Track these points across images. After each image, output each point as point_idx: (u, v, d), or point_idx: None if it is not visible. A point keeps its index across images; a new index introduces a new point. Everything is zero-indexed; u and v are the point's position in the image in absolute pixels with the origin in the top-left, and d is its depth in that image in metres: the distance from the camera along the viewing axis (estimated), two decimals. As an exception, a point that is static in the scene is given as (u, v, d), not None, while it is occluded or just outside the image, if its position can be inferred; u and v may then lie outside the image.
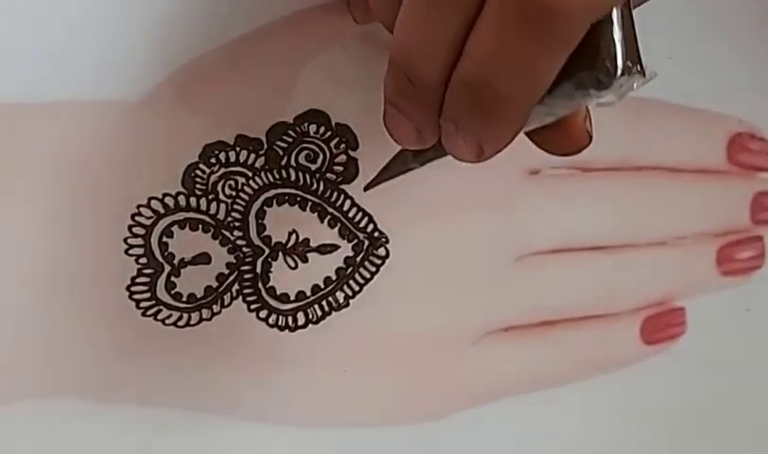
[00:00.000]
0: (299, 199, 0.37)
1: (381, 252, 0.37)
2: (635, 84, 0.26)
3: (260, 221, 0.36)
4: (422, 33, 0.26)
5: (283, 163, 0.36)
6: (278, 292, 0.37)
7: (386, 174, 0.34)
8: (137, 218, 0.35)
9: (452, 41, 0.26)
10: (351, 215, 0.37)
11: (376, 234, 0.37)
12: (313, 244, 0.37)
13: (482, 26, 0.25)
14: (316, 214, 0.37)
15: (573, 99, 0.26)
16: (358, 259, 0.37)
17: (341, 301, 0.37)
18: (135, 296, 0.36)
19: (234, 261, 0.36)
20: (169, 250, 0.36)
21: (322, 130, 0.37)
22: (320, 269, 0.37)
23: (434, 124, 0.28)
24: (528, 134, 0.29)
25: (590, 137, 0.29)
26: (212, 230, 0.36)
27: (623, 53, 0.25)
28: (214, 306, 0.36)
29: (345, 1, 0.36)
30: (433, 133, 0.28)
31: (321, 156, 0.37)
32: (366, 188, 0.36)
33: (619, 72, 0.25)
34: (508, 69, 0.25)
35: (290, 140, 0.36)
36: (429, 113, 0.27)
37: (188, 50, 0.36)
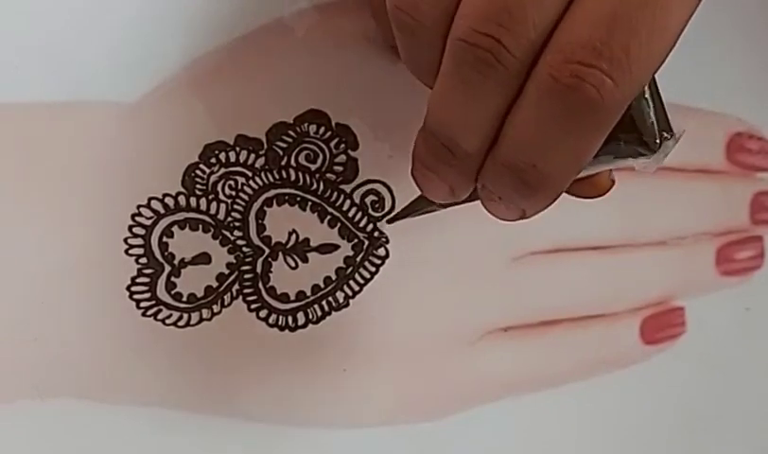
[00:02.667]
0: (299, 199, 0.37)
1: (381, 252, 0.37)
2: (668, 149, 0.27)
3: (260, 221, 0.36)
4: (460, 110, 0.26)
5: (283, 163, 0.36)
6: (278, 292, 0.37)
7: (410, 210, 0.35)
8: (137, 219, 0.35)
9: (492, 119, 0.26)
10: (351, 215, 0.37)
11: (376, 234, 0.37)
12: (313, 244, 0.37)
13: (523, 112, 0.25)
14: (316, 214, 0.37)
15: (610, 164, 0.28)
16: (358, 259, 0.37)
17: (341, 301, 0.37)
18: (135, 296, 0.36)
19: (234, 261, 0.36)
20: (169, 250, 0.36)
21: (321, 130, 0.37)
22: (320, 269, 0.37)
23: (470, 185, 0.28)
24: None
25: (613, 182, 0.30)
26: (212, 230, 0.36)
27: (657, 125, 0.27)
28: (214, 306, 0.36)
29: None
30: (467, 192, 0.29)
31: (321, 156, 0.37)
32: (389, 221, 0.37)
33: (657, 145, 0.27)
34: (552, 154, 0.26)
35: (290, 140, 0.36)
36: (467, 178, 0.28)
37: (188, 50, 0.36)
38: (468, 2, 0.25)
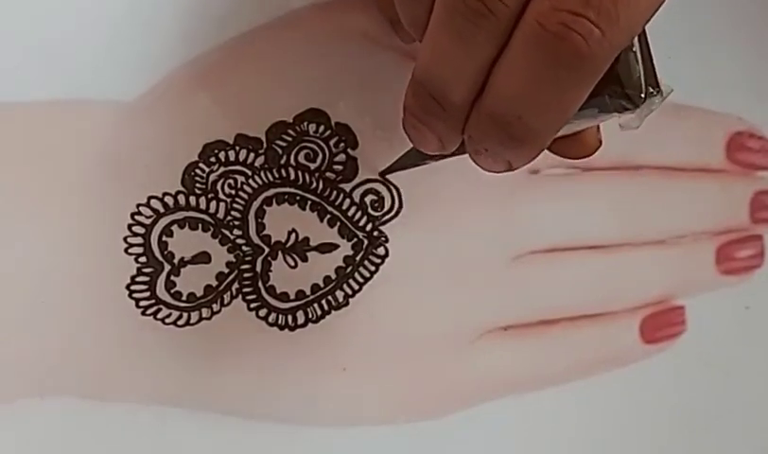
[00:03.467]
0: (298, 198, 0.37)
1: (381, 251, 0.37)
2: (654, 105, 0.27)
3: (260, 220, 0.36)
4: (449, 60, 0.26)
5: (282, 162, 0.36)
6: (278, 291, 0.37)
7: (402, 163, 0.35)
8: (137, 218, 0.35)
9: (479, 69, 0.26)
10: (350, 214, 0.37)
11: (376, 233, 0.37)
12: (313, 243, 0.37)
13: (509, 63, 0.25)
14: (315, 213, 0.37)
15: (596, 119, 0.28)
16: (358, 258, 0.37)
17: (341, 300, 0.37)
18: (135, 295, 0.36)
19: (233, 260, 0.36)
20: (169, 249, 0.36)
21: (321, 129, 0.37)
22: (319, 268, 0.37)
23: (458, 136, 0.28)
24: None
25: (600, 142, 0.30)
26: (212, 229, 0.36)
27: (644, 79, 0.26)
28: (213, 305, 0.36)
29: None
30: (456, 143, 0.29)
31: (320, 155, 0.37)
32: (382, 173, 0.36)
33: (641, 99, 0.26)
34: (536, 105, 0.26)
35: (290, 139, 0.36)
36: (454, 129, 0.28)
37: (188, 50, 0.36)
38: None
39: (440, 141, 0.29)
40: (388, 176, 0.37)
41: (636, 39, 0.26)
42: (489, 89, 0.26)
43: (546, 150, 0.29)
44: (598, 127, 0.30)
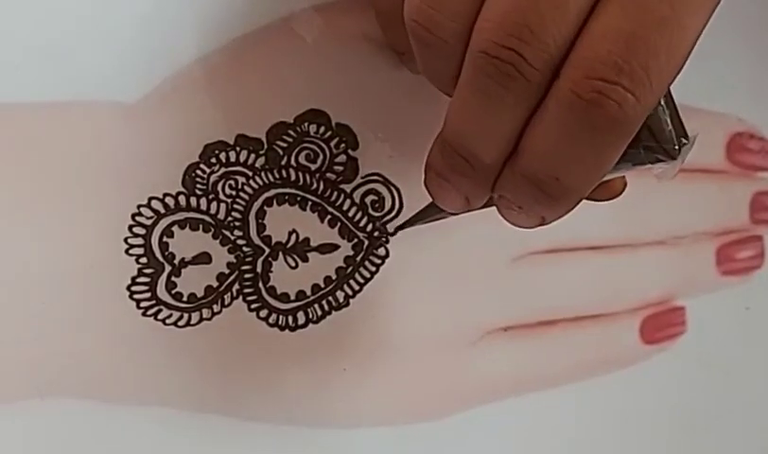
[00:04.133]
0: (299, 198, 0.37)
1: (381, 251, 0.37)
2: (686, 154, 0.27)
3: (260, 221, 0.36)
4: (479, 122, 0.27)
5: (283, 162, 0.36)
6: (278, 292, 0.37)
7: (419, 218, 0.35)
8: (138, 218, 0.35)
9: (511, 131, 0.26)
10: (351, 214, 0.37)
11: (376, 233, 0.37)
12: (313, 244, 0.37)
13: (544, 125, 0.26)
14: (316, 213, 0.37)
15: (629, 171, 0.28)
16: (358, 259, 0.37)
17: (342, 300, 0.37)
18: (136, 296, 0.36)
19: (234, 261, 0.36)
20: (170, 249, 0.36)
21: (322, 129, 0.37)
22: (320, 268, 0.37)
23: (486, 194, 0.29)
24: None
25: (625, 185, 0.31)
26: (212, 230, 0.36)
27: (675, 131, 0.27)
28: (214, 306, 0.36)
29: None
30: (483, 201, 0.29)
31: (321, 156, 0.37)
32: (396, 230, 0.37)
33: (677, 151, 0.27)
34: (574, 166, 0.26)
35: (290, 140, 0.36)
36: (483, 189, 0.28)
37: (189, 50, 0.36)
38: (488, 16, 0.25)
39: (466, 199, 0.29)
40: (388, 178, 0.37)
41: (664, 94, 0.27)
42: (523, 150, 0.27)
43: None
44: None
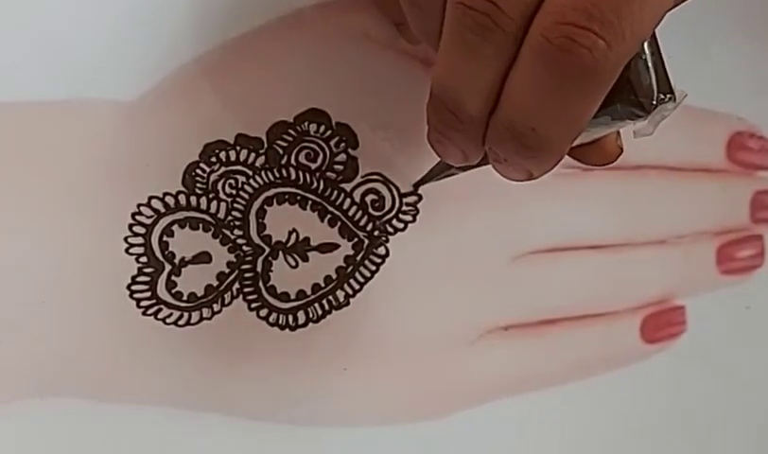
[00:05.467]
0: (299, 198, 0.37)
1: (381, 250, 0.37)
2: (667, 111, 0.27)
3: (260, 220, 0.36)
4: (462, 74, 0.26)
5: (283, 162, 0.36)
6: (278, 291, 0.37)
7: (432, 174, 0.36)
8: (138, 217, 0.35)
9: (492, 81, 0.26)
10: (351, 214, 0.37)
11: (376, 233, 0.37)
12: (313, 243, 0.37)
13: (519, 75, 0.26)
14: (316, 213, 0.37)
15: (610, 127, 0.28)
16: (359, 258, 0.37)
17: (342, 300, 0.37)
18: (136, 295, 0.36)
19: (234, 260, 0.36)
20: (170, 249, 0.36)
21: (322, 129, 0.37)
22: (320, 267, 0.37)
23: (479, 149, 0.29)
24: None
25: (621, 149, 0.31)
26: (212, 229, 0.36)
27: (656, 86, 0.26)
28: (214, 305, 0.36)
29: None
30: (479, 154, 0.29)
31: (321, 155, 0.37)
32: (415, 186, 0.37)
33: (653, 106, 0.26)
34: (548, 116, 0.26)
35: (291, 139, 0.36)
36: (474, 141, 0.28)
37: (189, 49, 0.36)
38: None
39: (463, 153, 0.29)
40: (388, 177, 0.37)
41: (646, 45, 0.26)
42: (502, 102, 0.26)
43: (568, 157, 0.29)
44: (618, 134, 0.30)
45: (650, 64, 0.26)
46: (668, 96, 0.26)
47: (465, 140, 0.28)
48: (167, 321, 0.36)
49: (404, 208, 0.37)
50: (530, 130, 0.26)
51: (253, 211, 0.36)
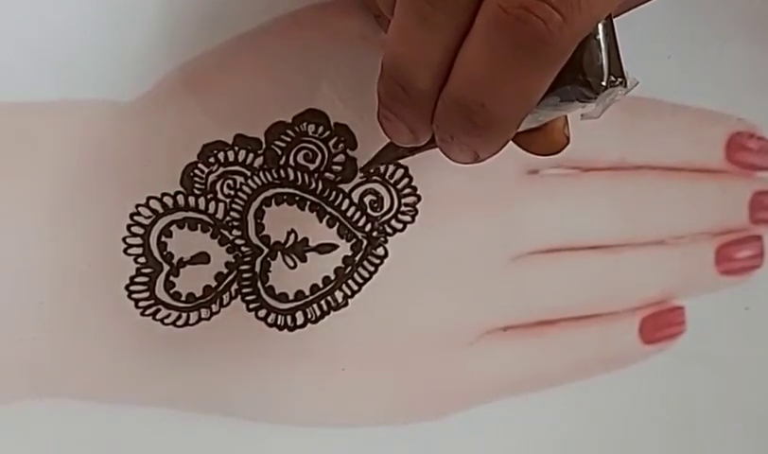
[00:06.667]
0: (297, 198, 0.37)
1: (380, 251, 0.37)
2: (617, 95, 0.26)
3: (259, 221, 0.36)
4: (412, 45, 0.26)
5: (281, 162, 0.36)
6: (277, 292, 0.37)
7: (380, 158, 0.35)
8: (136, 218, 0.35)
9: (442, 54, 0.26)
10: (349, 214, 0.37)
11: (375, 233, 0.37)
12: (312, 243, 0.37)
13: (471, 47, 0.25)
14: (315, 213, 0.37)
15: (558, 109, 0.27)
16: (357, 259, 0.37)
17: (340, 300, 0.37)
18: (134, 295, 0.36)
19: (232, 260, 0.36)
20: (168, 249, 0.36)
21: (320, 129, 0.37)
22: (318, 268, 0.37)
23: (427, 127, 0.28)
24: None
25: (567, 139, 0.30)
26: (211, 229, 0.36)
27: (607, 68, 0.26)
28: (213, 306, 0.36)
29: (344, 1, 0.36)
30: (426, 134, 0.29)
31: (319, 156, 0.37)
32: (362, 169, 0.36)
33: (602, 87, 0.26)
34: (498, 91, 0.25)
35: (289, 140, 0.36)
36: (422, 118, 0.28)
37: (187, 50, 0.36)
38: None
39: (411, 131, 0.29)
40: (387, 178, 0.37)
41: (600, 27, 0.26)
42: (452, 75, 0.26)
43: (513, 144, 0.29)
44: (566, 123, 0.30)
45: (603, 46, 0.26)
46: (618, 79, 0.26)
47: (413, 116, 0.28)
48: (166, 321, 0.36)
49: (402, 209, 0.37)
50: (479, 105, 0.26)
51: (251, 211, 0.36)
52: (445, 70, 0.26)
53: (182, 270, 0.36)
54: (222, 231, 0.36)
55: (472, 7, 0.25)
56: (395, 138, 0.30)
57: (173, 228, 0.36)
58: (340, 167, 0.37)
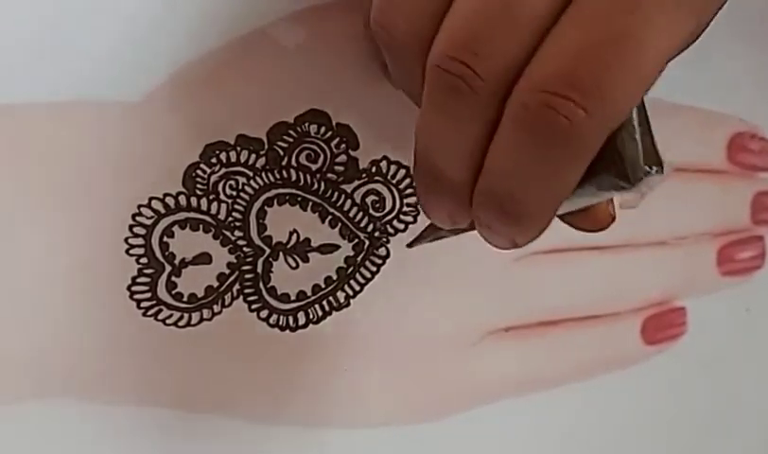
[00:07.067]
0: (299, 199, 0.37)
1: (382, 251, 0.37)
2: (655, 183, 0.26)
3: (261, 221, 0.36)
4: (441, 138, 0.26)
5: (283, 163, 0.36)
6: (279, 292, 0.37)
7: (422, 237, 0.35)
8: (138, 218, 0.35)
9: (472, 146, 0.26)
10: (352, 214, 0.37)
11: (377, 233, 0.37)
12: (314, 244, 0.37)
13: (500, 141, 0.25)
14: (317, 214, 0.37)
15: (596, 196, 0.27)
16: (359, 259, 0.37)
17: (342, 301, 0.37)
18: (136, 296, 0.35)
19: (234, 261, 0.36)
20: (170, 250, 0.36)
21: (322, 130, 0.37)
22: (320, 268, 0.37)
23: (466, 213, 0.28)
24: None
25: (613, 218, 0.30)
26: (213, 230, 0.36)
27: (642, 158, 0.25)
28: (214, 306, 0.36)
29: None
30: (466, 219, 0.29)
31: (321, 156, 0.37)
32: (409, 246, 0.36)
33: (638, 178, 0.25)
34: (527, 185, 0.25)
35: (291, 140, 0.36)
36: (461, 205, 0.28)
37: (189, 50, 0.36)
38: (445, 26, 0.25)
39: (449, 217, 0.29)
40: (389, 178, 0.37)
41: (634, 113, 0.25)
42: (485, 166, 0.26)
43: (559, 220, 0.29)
44: (611, 201, 0.30)
45: (637, 135, 0.25)
46: (654, 168, 0.25)
47: (451, 204, 0.28)
48: (168, 321, 0.36)
49: (405, 209, 0.37)
50: (509, 196, 0.26)
51: (253, 212, 0.36)
52: (477, 161, 0.26)
53: (183, 270, 0.36)
54: (224, 231, 0.36)
55: (498, 98, 0.25)
56: (436, 221, 0.30)
57: (175, 228, 0.36)
58: (342, 168, 0.37)
